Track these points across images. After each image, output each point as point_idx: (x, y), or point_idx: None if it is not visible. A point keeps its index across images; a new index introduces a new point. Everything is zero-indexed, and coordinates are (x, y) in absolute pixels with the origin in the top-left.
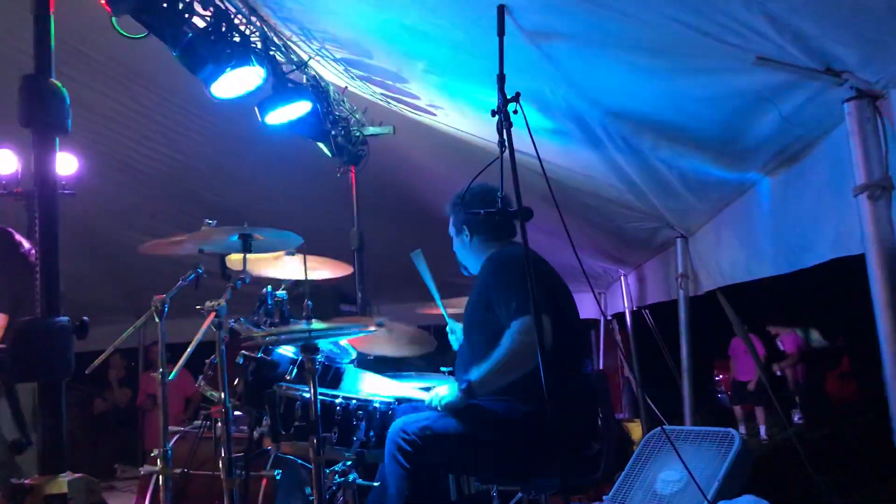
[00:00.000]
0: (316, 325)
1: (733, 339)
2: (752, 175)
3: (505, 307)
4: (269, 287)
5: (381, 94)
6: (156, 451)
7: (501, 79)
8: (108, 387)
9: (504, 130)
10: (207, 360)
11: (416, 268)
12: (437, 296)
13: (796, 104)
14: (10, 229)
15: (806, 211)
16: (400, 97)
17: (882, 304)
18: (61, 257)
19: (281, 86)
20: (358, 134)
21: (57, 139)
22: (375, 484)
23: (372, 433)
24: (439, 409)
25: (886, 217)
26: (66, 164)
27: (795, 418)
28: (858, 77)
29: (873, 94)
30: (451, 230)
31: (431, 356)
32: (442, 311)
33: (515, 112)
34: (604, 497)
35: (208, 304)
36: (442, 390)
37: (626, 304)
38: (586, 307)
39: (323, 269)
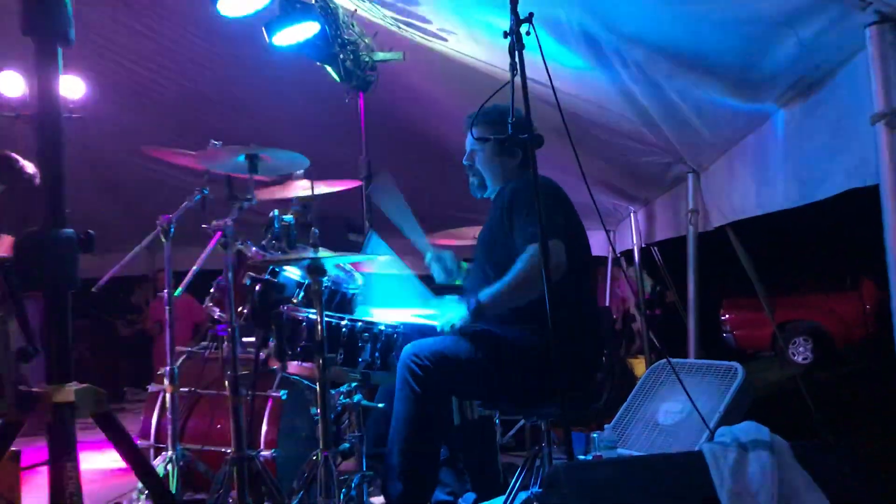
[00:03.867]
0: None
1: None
2: (768, 106)
3: (522, 231)
4: (276, 211)
5: (392, 17)
6: (162, 370)
7: None
8: (132, 312)
9: (516, 52)
10: (214, 282)
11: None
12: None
13: (816, 30)
14: (12, 154)
15: (821, 142)
16: (410, 20)
17: (894, 236)
18: (68, 182)
19: (289, 6)
20: (367, 59)
21: (60, 50)
22: (379, 405)
23: (377, 355)
24: (448, 330)
25: None
26: (72, 87)
27: None
28: (882, 0)
29: None
30: (490, 144)
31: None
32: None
33: (528, 34)
34: (605, 427)
35: (214, 223)
36: (449, 310)
37: (634, 241)
38: (595, 244)
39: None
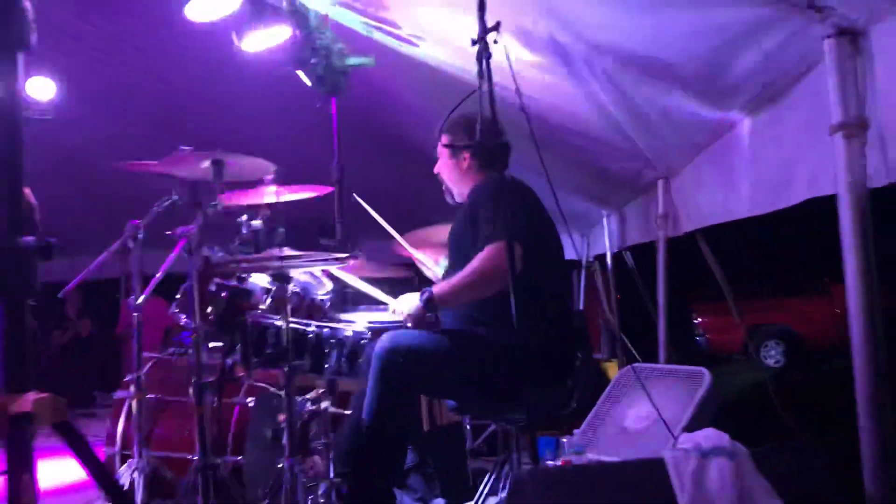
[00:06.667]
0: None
1: None
2: (733, 114)
3: (480, 232)
4: (245, 216)
5: (363, 22)
6: (129, 377)
7: (482, 6)
8: (66, 320)
9: (483, 60)
10: (181, 287)
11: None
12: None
13: (778, 41)
14: None
15: (784, 151)
16: (381, 26)
17: (850, 245)
18: (41, 185)
19: (258, 9)
20: (339, 64)
21: (20, 55)
22: (348, 412)
23: (344, 361)
24: (398, 314)
25: (860, 156)
26: (43, 88)
27: None
28: (840, 14)
29: (854, 32)
30: (445, 151)
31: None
32: (409, 249)
33: (496, 42)
34: (575, 432)
35: (179, 229)
36: (405, 299)
37: (607, 246)
38: (569, 249)
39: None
